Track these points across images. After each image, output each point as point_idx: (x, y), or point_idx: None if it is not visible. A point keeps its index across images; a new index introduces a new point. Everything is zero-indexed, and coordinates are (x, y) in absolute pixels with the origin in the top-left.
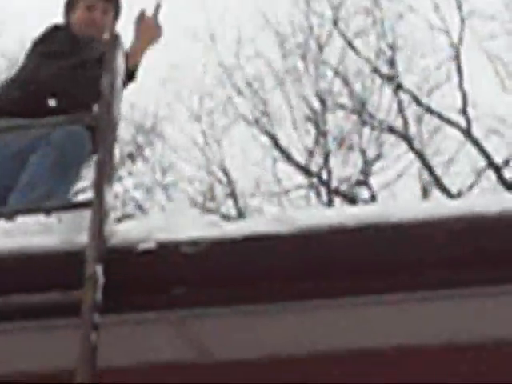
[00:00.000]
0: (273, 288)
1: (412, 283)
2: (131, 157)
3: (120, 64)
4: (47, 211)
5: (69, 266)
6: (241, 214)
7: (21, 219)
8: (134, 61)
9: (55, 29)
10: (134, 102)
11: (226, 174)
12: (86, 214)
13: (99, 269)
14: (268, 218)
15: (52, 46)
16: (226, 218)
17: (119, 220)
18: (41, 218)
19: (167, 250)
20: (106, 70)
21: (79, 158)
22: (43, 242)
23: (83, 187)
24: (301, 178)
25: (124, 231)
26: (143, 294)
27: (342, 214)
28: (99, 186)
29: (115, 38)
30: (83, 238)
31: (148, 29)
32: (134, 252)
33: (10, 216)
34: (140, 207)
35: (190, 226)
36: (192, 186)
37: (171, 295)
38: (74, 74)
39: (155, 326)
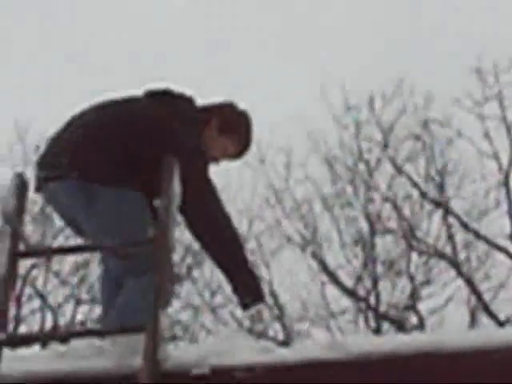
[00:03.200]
0: None
1: None
2: (179, 278)
3: (176, 188)
4: (102, 334)
5: None
6: (288, 338)
7: (75, 342)
8: None
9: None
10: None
11: (274, 296)
12: (141, 338)
13: None
14: (320, 343)
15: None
16: (274, 341)
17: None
18: (95, 341)
19: (221, 376)
20: (163, 193)
21: None
22: (96, 365)
23: None
24: (349, 302)
25: (177, 355)
26: None
27: (392, 341)
28: (155, 309)
29: (172, 163)
30: (137, 362)
31: None
32: (188, 377)
33: (64, 339)
34: (187, 329)
35: (243, 351)
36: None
37: None
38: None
39: None
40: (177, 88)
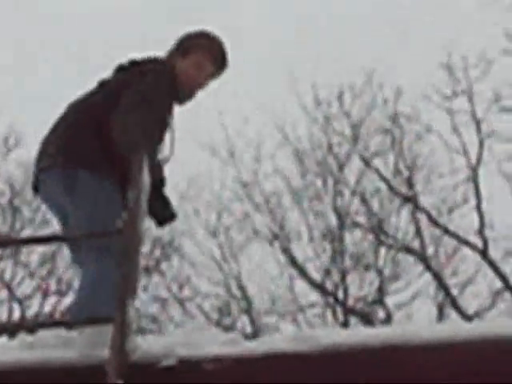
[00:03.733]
0: None
1: None
2: (147, 270)
3: (146, 180)
4: (69, 325)
5: (89, 380)
6: (256, 331)
7: (42, 333)
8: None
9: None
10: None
11: (243, 290)
12: (108, 329)
13: None
14: (287, 336)
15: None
16: (242, 334)
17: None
18: (62, 331)
19: (189, 367)
20: (132, 185)
21: None
22: (64, 356)
23: None
24: (317, 296)
25: (145, 347)
26: None
27: (359, 334)
28: (122, 301)
29: (142, 156)
30: (105, 353)
31: None
32: (156, 368)
33: (32, 330)
34: (155, 321)
35: (210, 343)
36: (208, 302)
37: None
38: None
39: None
40: (141, 55)
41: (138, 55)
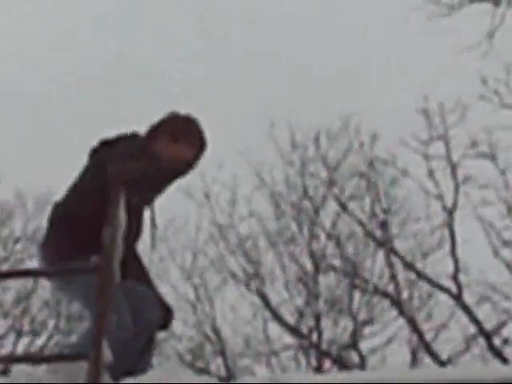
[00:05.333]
0: None
1: None
2: None
3: (122, 218)
4: (44, 360)
5: None
6: (230, 374)
7: (16, 371)
8: None
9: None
10: None
11: (217, 332)
12: (82, 365)
13: None
14: (261, 379)
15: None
16: (216, 377)
17: None
18: (36, 369)
19: None
20: (108, 223)
21: None
22: None
23: None
24: (291, 339)
25: None
26: None
27: (333, 379)
28: (97, 338)
29: (118, 195)
30: None
31: None
32: None
33: (6, 365)
34: None
35: None
36: (182, 343)
37: None
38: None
39: None
40: (114, 134)
41: (110, 135)
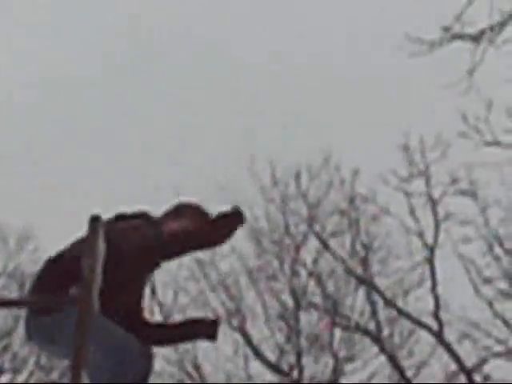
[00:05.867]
0: None
1: None
2: None
3: (101, 248)
4: None
5: None
6: None
7: None
8: None
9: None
10: None
11: (198, 368)
12: None
13: None
14: None
15: None
16: None
17: None
18: None
19: None
20: (88, 254)
21: None
22: None
23: None
24: (272, 376)
25: None
26: None
27: None
28: (76, 370)
29: (97, 223)
30: None
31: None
32: None
33: None
34: None
35: None
36: (163, 380)
37: None
38: None
39: None
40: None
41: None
